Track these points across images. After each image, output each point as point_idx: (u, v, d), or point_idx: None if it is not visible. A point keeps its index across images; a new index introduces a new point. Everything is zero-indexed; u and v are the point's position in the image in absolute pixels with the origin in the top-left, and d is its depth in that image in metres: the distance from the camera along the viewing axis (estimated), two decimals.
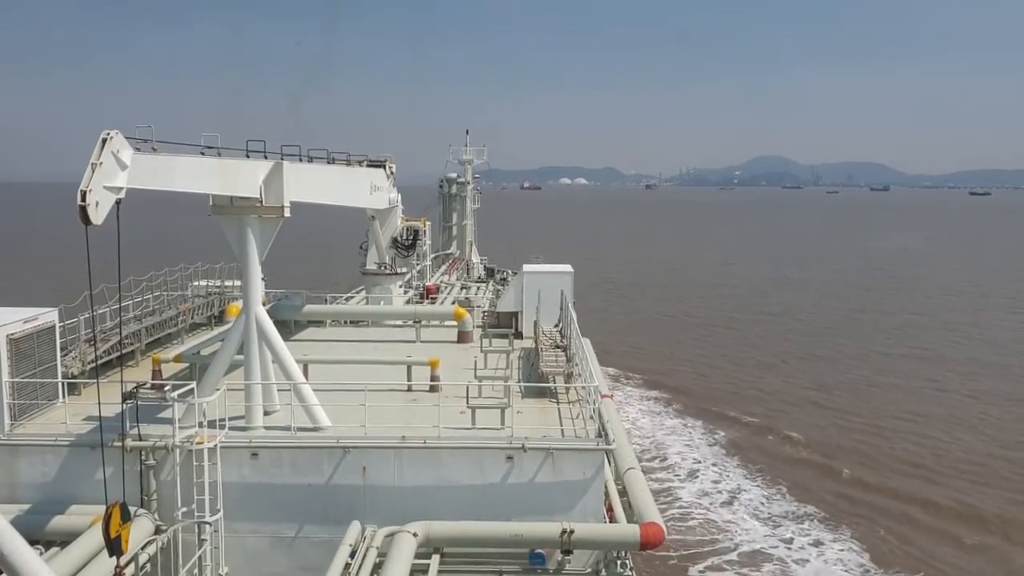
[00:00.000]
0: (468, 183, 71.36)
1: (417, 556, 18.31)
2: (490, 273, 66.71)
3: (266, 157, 22.10)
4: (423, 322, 34.62)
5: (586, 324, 32.13)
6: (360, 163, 32.89)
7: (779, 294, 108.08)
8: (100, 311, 26.82)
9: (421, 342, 33.10)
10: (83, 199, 15.02)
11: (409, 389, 25.33)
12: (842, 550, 34.11)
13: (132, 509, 17.24)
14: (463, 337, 33.47)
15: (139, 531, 18.65)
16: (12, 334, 21.16)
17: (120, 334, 26.92)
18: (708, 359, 69.17)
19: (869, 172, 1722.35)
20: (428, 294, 46.28)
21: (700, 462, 44.39)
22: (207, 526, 19.10)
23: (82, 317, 26.36)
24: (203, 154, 19.51)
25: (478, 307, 38.61)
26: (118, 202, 15.97)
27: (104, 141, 15.79)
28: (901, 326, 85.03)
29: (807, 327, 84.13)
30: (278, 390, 22.73)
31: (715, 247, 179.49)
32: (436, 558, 18.91)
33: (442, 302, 44.91)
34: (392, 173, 37.85)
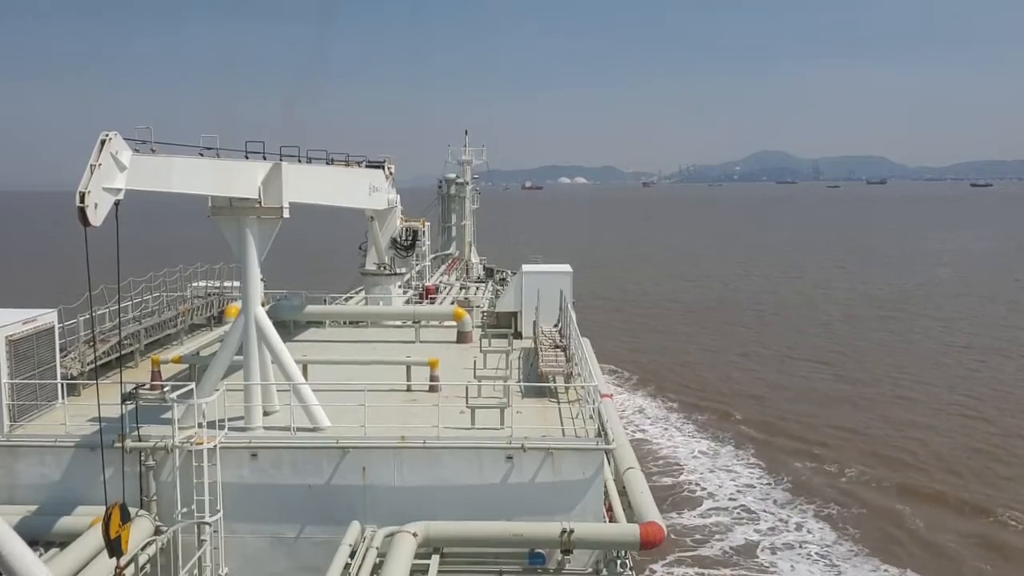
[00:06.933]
0: (467, 183, 71.40)
1: (417, 556, 18.30)
2: (489, 273, 66.70)
3: (265, 158, 22.13)
4: (422, 322, 34.65)
5: (584, 323, 32.10)
6: (359, 164, 32.93)
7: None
8: (99, 312, 26.80)
9: (420, 342, 33.11)
10: (82, 200, 15.03)
11: (408, 389, 25.35)
12: (844, 551, 34.05)
13: (132, 510, 17.23)
14: (462, 337, 33.47)
15: (139, 532, 18.64)
16: (11, 335, 21.15)
17: (119, 335, 26.85)
18: (715, 360, 68.99)
19: (871, 166, 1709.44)
20: (427, 294, 46.27)
21: (700, 460, 44.35)
22: (207, 527, 19.11)
23: (81, 318, 26.38)
24: (202, 155, 19.52)
25: (477, 307, 38.59)
26: (117, 203, 15.98)
27: (103, 142, 15.79)
28: None
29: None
30: (277, 391, 22.73)
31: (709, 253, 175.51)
32: (436, 558, 18.90)
33: (441, 302, 44.90)
34: (391, 174, 37.89)
